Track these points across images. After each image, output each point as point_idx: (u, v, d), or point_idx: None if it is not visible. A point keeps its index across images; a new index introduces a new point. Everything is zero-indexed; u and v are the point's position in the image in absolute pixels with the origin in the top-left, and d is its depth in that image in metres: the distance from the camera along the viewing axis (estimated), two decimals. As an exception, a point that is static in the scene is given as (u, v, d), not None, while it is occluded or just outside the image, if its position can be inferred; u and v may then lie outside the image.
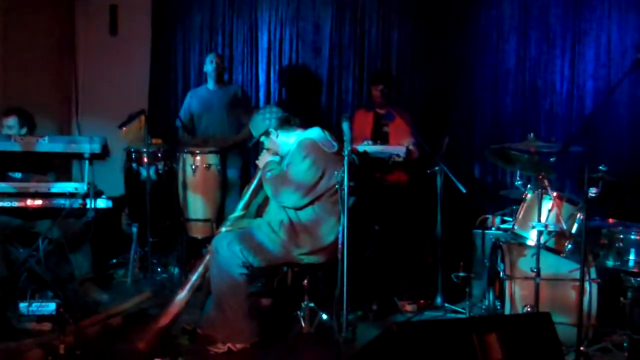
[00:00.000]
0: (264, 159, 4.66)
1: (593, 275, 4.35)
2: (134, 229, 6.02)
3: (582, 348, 3.99)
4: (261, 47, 7.14)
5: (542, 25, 6.44)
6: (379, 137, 5.81)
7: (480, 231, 5.48)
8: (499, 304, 4.59)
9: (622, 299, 4.30)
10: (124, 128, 5.71)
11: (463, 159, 6.50)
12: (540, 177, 4.31)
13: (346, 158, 4.10)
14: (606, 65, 6.27)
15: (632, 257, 4.21)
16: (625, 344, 4.25)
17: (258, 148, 4.97)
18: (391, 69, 6.81)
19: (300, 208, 4.38)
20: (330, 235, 4.37)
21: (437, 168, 5.43)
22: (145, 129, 5.68)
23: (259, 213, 4.71)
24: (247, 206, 4.71)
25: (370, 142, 5.70)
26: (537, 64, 6.46)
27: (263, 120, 4.56)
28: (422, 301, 5.41)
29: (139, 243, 6.01)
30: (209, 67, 6.30)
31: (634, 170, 6.10)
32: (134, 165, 5.92)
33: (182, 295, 4.38)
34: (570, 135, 5.07)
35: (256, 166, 4.77)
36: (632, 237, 4.22)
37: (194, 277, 4.44)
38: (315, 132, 4.51)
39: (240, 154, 6.29)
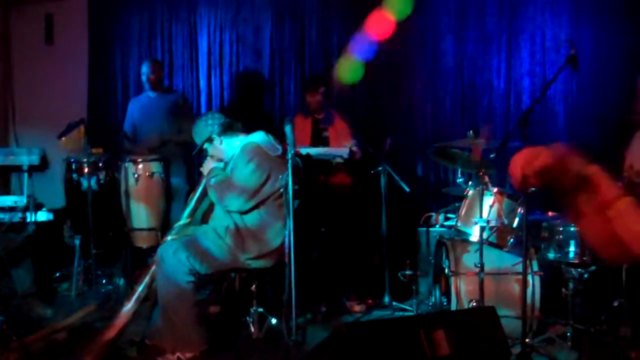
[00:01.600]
0: (207, 165, 4.63)
1: (535, 268, 4.45)
2: (77, 241, 5.89)
3: (527, 340, 4.07)
4: (201, 52, 7.11)
5: (478, 25, 6.55)
6: (320, 142, 5.83)
7: (424, 229, 5.55)
8: (445, 300, 4.67)
9: (564, 290, 4.42)
10: (63, 138, 5.61)
11: (406, 159, 6.56)
12: (481, 173, 4.39)
13: (290, 161, 4.11)
14: (541, 62, 6.41)
15: (572, 248, 4.32)
16: (568, 334, 4.36)
17: (202, 155, 4.94)
18: (332, 71, 6.83)
19: (246, 212, 4.37)
20: (276, 239, 4.37)
21: (380, 168, 5.48)
22: (85, 138, 5.59)
23: (205, 220, 4.68)
24: (192, 214, 4.67)
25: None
26: (474, 63, 6.56)
27: (205, 127, 4.53)
28: (370, 301, 5.45)
29: (82, 255, 5.89)
30: (145, 75, 6.25)
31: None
32: (75, 175, 5.80)
33: (129, 306, 4.32)
34: (508, 132, 5.17)
35: (201, 173, 4.74)
36: (572, 229, 4.33)
37: (140, 288, 4.38)
38: (258, 136, 4.51)
39: (185, 162, 6.25)
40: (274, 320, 4.55)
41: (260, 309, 4.57)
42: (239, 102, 6.97)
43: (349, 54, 5.72)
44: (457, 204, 4.91)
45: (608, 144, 5.83)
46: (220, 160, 4.59)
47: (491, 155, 4.65)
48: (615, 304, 4.28)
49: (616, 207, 1.62)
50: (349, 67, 5.48)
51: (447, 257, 4.60)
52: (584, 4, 6.32)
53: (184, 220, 4.61)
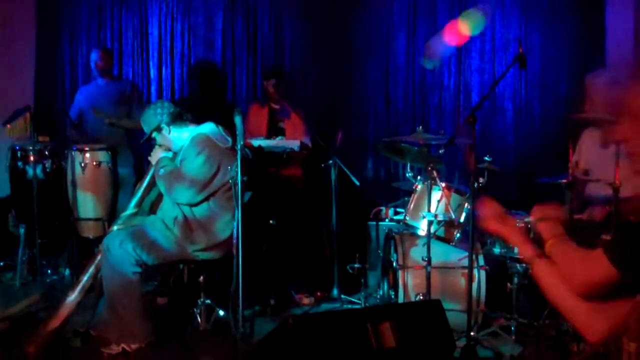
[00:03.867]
0: (156, 155, 4.57)
1: (481, 262, 4.52)
2: (22, 230, 5.78)
3: (472, 333, 4.12)
4: (152, 42, 7.02)
5: (429, 22, 6.61)
6: (275, 132, 5.82)
7: (374, 223, 5.58)
8: (393, 293, 4.70)
9: (509, 285, 4.50)
10: (9, 125, 5.51)
11: (357, 153, 6.60)
12: (430, 168, 4.43)
13: (239, 152, 4.08)
14: (491, 60, 6.51)
15: (517, 244, 4.38)
16: (512, 328, 4.45)
17: (151, 145, 4.88)
18: (284, 63, 6.83)
19: (195, 204, 4.34)
20: (225, 230, 4.34)
21: (331, 162, 5.49)
22: (31, 125, 5.47)
23: (153, 210, 4.63)
24: (139, 203, 4.61)
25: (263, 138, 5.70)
26: (425, 59, 6.62)
27: (155, 116, 4.47)
28: (319, 293, 5.47)
29: (27, 244, 5.78)
30: (93, 62, 6.17)
31: (518, 160, 6.38)
32: (20, 163, 5.68)
33: (73, 296, 4.26)
34: (457, 128, 5.24)
35: (149, 162, 4.69)
36: (517, 224, 4.39)
37: (84, 278, 4.31)
38: (208, 127, 4.47)
39: (132, 151, 6.17)
40: (221, 312, 4.52)
41: (208, 301, 4.53)
42: (190, 92, 6.90)
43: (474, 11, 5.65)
44: (406, 199, 4.95)
45: (554, 140, 5.96)
46: (169, 149, 4.54)
47: (440, 151, 4.70)
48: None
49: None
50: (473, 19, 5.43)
51: (396, 251, 4.64)
52: (533, 3, 6.43)
53: (130, 210, 4.54)
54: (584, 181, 4.36)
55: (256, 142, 5.52)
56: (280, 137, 5.69)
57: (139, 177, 5.53)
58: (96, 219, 5.57)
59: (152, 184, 4.57)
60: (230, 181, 4.17)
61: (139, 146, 5.94)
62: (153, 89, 7.00)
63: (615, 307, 1.77)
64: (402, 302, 4.41)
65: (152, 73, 7.01)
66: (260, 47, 6.90)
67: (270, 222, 5.57)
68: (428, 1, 6.64)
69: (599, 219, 4.13)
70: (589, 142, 4.46)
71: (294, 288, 5.47)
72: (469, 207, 4.33)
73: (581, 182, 4.33)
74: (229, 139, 4.44)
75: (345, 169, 5.48)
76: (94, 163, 5.54)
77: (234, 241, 4.11)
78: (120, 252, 4.13)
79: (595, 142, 4.40)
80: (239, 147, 4.09)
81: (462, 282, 4.46)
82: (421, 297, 4.38)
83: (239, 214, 4.05)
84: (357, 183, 5.45)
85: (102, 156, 5.59)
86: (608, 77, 4.32)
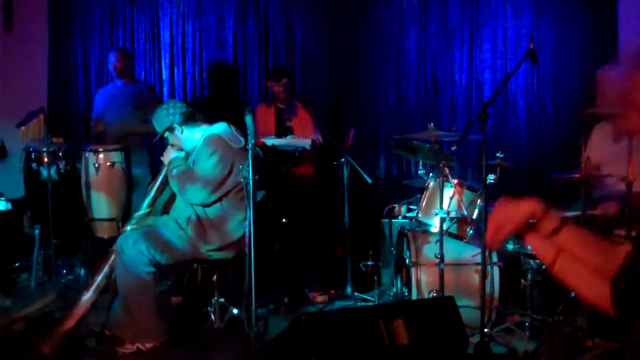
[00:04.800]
0: (168, 155, 4.60)
1: (494, 259, 4.52)
2: (37, 231, 5.82)
3: (485, 330, 4.12)
4: (164, 42, 7.04)
5: (441, 18, 6.60)
6: (283, 131, 5.82)
7: (387, 220, 5.58)
8: (406, 290, 4.70)
9: (523, 281, 4.47)
10: (23, 127, 5.55)
11: (369, 151, 6.59)
12: (441, 165, 4.43)
13: (250, 152, 4.09)
14: (503, 56, 6.48)
15: (530, 240, 4.37)
16: (526, 324, 4.43)
17: (163, 144, 4.91)
18: (295, 62, 6.83)
19: (208, 204, 4.36)
20: (238, 230, 4.36)
21: (343, 160, 5.50)
22: (44, 127, 5.51)
23: (166, 210, 4.65)
24: (152, 203, 4.64)
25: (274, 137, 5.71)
26: (437, 56, 6.61)
27: (167, 116, 4.50)
28: (332, 291, 5.48)
29: (42, 245, 5.82)
30: (111, 63, 6.22)
31: (531, 156, 6.35)
32: (34, 165, 5.71)
33: (88, 296, 4.28)
34: (468, 124, 5.23)
35: (161, 162, 4.71)
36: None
37: (99, 278, 4.34)
38: (221, 127, 4.49)
39: (148, 152, 6.20)
40: (235, 311, 4.54)
41: (222, 300, 4.56)
42: (203, 92, 6.92)
43: None
44: (418, 196, 4.94)
45: (566, 136, 5.93)
46: (181, 149, 4.56)
47: (452, 148, 4.69)
48: (572, 294, 4.34)
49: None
50: None
51: (408, 248, 4.64)
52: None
53: (143, 210, 4.57)
54: (597, 176, 4.34)
55: (269, 141, 5.52)
56: (290, 136, 5.69)
57: (154, 177, 5.57)
58: (110, 219, 5.58)
59: (165, 184, 4.59)
60: (243, 181, 4.18)
61: (154, 147, 5.97)
62: (165, 89, 7.03)
63: None
64: (415, 299, 4.41)
65: (164, 74, 7.03)
66: (272, 47, 6.91)
67: (283, 220, 5.58)
68: (439, -3, 6.63)
69: (612, 214, 4.11)
70: (601, 137, 4.44)
71: (307, 286, 5.48)
72: (481, 203, 4.31)
73: (594, 177, 4.31)
74: (242, 138, 4.45)
75: (357, 167, 5.48)
76: (108, 163, 5.56)
77: (247, 240, 4.13)
78: (133, 252, 4.15)
79: (607, 137, 4.38)
80: (250, 146, 4.11)
81: (476, 278, 4.45)
82: (434, 294, 4.37)
83: (250, 213, 4.07)
84: (370, 181, 5.45)
85: (116, 156, 5.60)
86: (619, 71, 4.30)
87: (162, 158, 4.67)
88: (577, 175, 4.10)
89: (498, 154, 4.48)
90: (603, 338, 3.96)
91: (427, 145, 4.61)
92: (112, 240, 5.08)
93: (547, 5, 6.40)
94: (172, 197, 4.61)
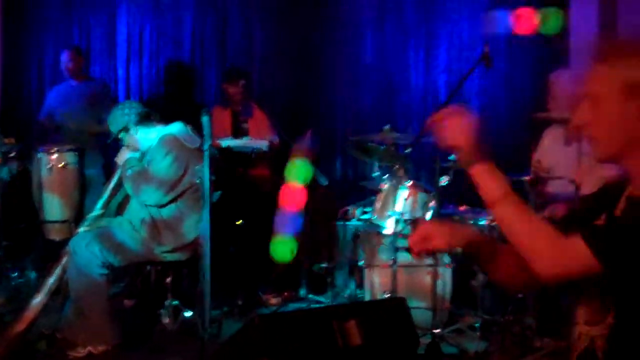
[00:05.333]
0: (123, 155, 4.57)
1: (446, 260, 4.57)
2: (-14, 233, 5.73)
3: (437, 330, 4.18)
4: (120, 41, 6.97)
5: (397, 21, 6.65)
6: (239, 133, 5.81)
7: (341, 223, 5.59)
8: (359, 292, 4.74)
9: (474, 282, 4.55)
10: (-26, 128, 5.44)
11: (325, 152, 6.61)
12: (396, 167, 4.47)
13: (206, 153, 4.08)
14: (458, 59, 6.56)
15: (481, 242, 4.44)
16: (477, 325, 4.50)
17: (118, 145, 4.87)
18: (254, 63, 6.83)
19: (163, 205, 4.34)
20: (193, 231, 4.35)
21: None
22: (-4, 128, 5.43)
23: (120, 212, 4.62)
24: (106, 205, 4.61)
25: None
26: (393, 59, 6.65)
27: (122, 116, 4.47)
28: (286, 293, 5.48)
29: (-8, 247, 5.72)
30: (63, 64, 6.13)
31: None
32: (-15, 166, 5.62)
33: (39, 299, 4.24)
34: (423, 126, 5.28)
35: (116, 163, 4.67)
36: (482, 222, 4.46)
37: (51, 280, 4.30)
38: (176, 127, 4.47)
39: (101, 152, 6.14)
40: (188, 313, 4.52)
41: (175, 302, 4.53)
42: (158, 92, 6.87)
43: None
44: (373, 198, 4.97)
45: (518, 139, 6.03)
46: (136, 150, 4.53)
47: (406, 150, 4.74)
48: (521, 295, 4.43)
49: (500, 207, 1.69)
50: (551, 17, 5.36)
51: (363, 250, 4.68)
52: (499, 3, 6.49)
53: (97, 211, 4.54)
54: (547, 179, 4.42)
55: (224, 143, 5.51)
56: (246, 138, 5.69)
57: (108, 178, 5.51)
58: (63, 221, 5.52)
59: (120, 185, 4.57)
60: (198, 181, 4.17)
61: (108, 147, 5.91)
62: (121, 88, 6.96)
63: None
64: (368, 301, 4.44)
65: (120, 72, 6.97)
66: (230, 47, 6.89)
67: (238, 222, 5.57)
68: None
69: (560, 216, 4.20)
70: (551, 141, 4.53)
71: (261, 288, 5.48)
72: (435, 205, 4.37)
73: (544, 180, 4.39)
74: (198, 138, 4.44)
75: (314, 169, 5.50)
76: (61, 164, 5.49)
77: (202, 241, 4.12)
78: (86, 254, 4.12)
79: (558, 141, 4.47)
80: (206, 147, 4.10)
81: (428, 280, 4.49)
82: (387, 295, 4.41)
83: (206, 214, 4.05)
84: (325, 182, 5.47)
85: (69, 157, 5.54)
86: (570, 75, 4.40)
87: (116, 159, 4.64)
88: (527, 178, 4.18)
89: (451, 157, 4.53)
90: (551, 337, 4.05)
91: (383, 147, 4.65)
92: (64, 242, 5.03)
93: (501, 8, 6.49)
94: (127, 199, 4.58)
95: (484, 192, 1.69)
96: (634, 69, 1.62)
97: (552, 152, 4.51)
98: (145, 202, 4.34)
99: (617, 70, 1.64)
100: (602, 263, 1.56)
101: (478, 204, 4.29)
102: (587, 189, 3.83)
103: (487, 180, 1.70)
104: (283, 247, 5.07)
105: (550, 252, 1.63)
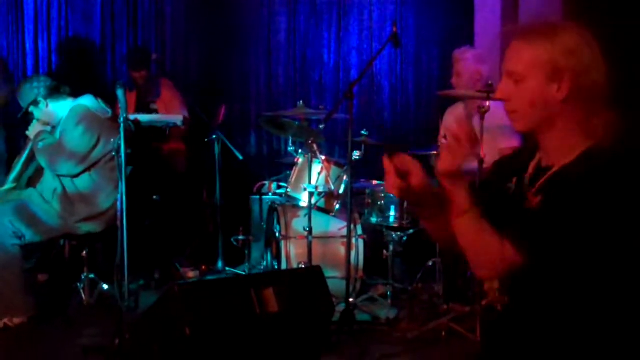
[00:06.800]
0: (35, 129, 4.52)
1: (359, 232, 4.74)
2: None
3: (351, 299, 4.33)
4: (27, 15, 6.77)
5: (310, 1, 6.74)
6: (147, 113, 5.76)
7: (257, 197, 5.69)
8: (276, 263, 4.85)
9: (385, 252, 4.74)
10: None
11: (240, 128, 6.67)
12: (310, 142, 4.59)
13: (122, 125, 4.08)
14: (368, 39, 6.72)
15: (392, 213, 4.64)
16: (388, 293, 4.71)
17: (28, 119, 4.78)
18: (166, 38, 6.78)
19: (76, 175, 4.33)
20: (107, 201, 4.38)
21: (214, 137, 5.55)
22: None
23: (31, 185, 4.57)
24: (18, 178, 4.55)
25: None
26: (306, 37, 6.76)
27: (31, 90, 4.42)
28: (203, 267, 5.54)
29: None
30: None
31: (394, 135, 6.65)
32: None
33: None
34: (336, 103, 5.41)
35: (27, 137, 4.61)
36: (392, 196, 4.63)
37: (-38, 255, 4.21)
38: (87, 100, 4.46)
39: (4, 127, 5.96)
40: (105, 286, 4.53)
41: (92, 275, 4.53)
42: (68, 66, 6.73)
43: None
44: (288, 172, 5.08)
45: (426, 116, 6.26)
46: (47, 123, 4.49)
47: (320, 126, 4.87)
48: (430, 263, 4.66)
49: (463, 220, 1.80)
50: None
51: (278, 222, 4.78)
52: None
53: (9, 184, 4.48)
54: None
55: (133, 116, 5.41)
56: (157, 115, 5.66)
57: (13, 153, 5.39)
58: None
59: (31, 158, 4.51)
60: (114, 153, 4.17)
61: (10, 121, 5.75)
62: (29, 61, 6.76)
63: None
64: (285, 269, 4.55)
65: (28, 46, 6.77)
66: (141, 20, 6.81)
67: (154, 197, 5.56)
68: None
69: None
70: (453, 118, 4.72)
71: (178, 262, 5.51)
72: (347, 179, 4.51)
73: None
74: (109, 110, 4.45)
75: (229, 144, 5.56)
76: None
77: (118, 214, 4.13)
78: (-3, 227, 4.07)
79: (460, 117, 4.67)
80: (122, 119, 4.09)
81: (342, 250, 4.64)
82: (303, 266, 4.54)
83: (123, 186, 4.06)
84: (241, 157, 5.55)
85: (-27, 132, 5.40)
86: (474, 54, 4.60)
87: (27, 133, 4.58)
88: (434, 152, 4.38)
89: (363, 132, 4.69)
90: (457, 303, 4.28)
91: (296, 123, 4.76)
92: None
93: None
94: (38, 172, 4.53)
95: (454, 204, 1.79)
96: (557, 54, 1.74)
97: (454, 128, 4.70)
98: (58, 173, 4.34)
99: (540, 53, 1.76)
100: (532, 258, 1.71)
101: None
102: (489, 160, 4.06)
103: (460, 196, 1.79)
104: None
105: (490, 266, 1.80)
